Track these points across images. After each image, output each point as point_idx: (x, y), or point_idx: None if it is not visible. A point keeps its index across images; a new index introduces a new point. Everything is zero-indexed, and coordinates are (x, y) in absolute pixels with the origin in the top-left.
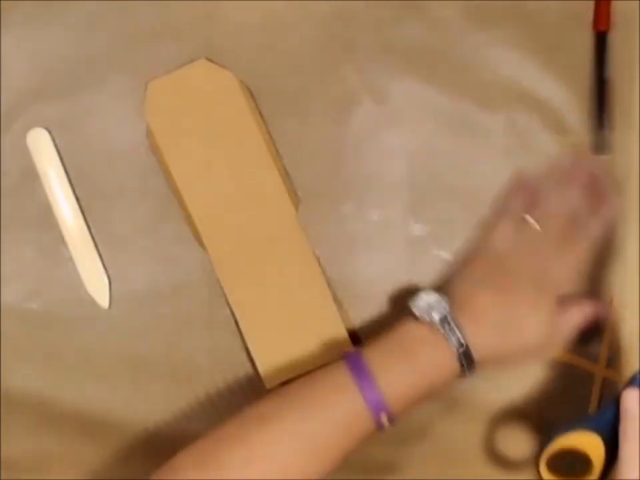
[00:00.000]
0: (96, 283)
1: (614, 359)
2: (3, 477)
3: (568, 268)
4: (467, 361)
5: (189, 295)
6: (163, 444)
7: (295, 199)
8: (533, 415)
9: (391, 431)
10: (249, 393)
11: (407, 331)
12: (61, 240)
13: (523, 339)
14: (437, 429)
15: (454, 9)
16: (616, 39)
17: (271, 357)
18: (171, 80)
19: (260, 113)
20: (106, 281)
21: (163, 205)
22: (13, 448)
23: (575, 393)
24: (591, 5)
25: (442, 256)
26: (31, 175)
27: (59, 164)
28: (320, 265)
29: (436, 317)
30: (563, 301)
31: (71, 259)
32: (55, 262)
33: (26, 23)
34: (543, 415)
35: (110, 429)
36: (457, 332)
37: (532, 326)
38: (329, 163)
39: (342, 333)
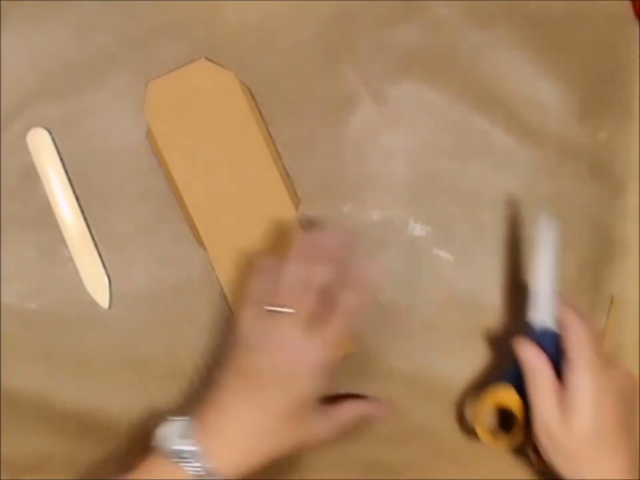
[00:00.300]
0: (96, 283)
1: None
2: (2, 477)
3: (322, 349)
4: None
5: (188, 295)
6: None
7: (295, 199)
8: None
9: (391, 431)
10: None
11: (150, 464)
12: (61, 240)
13: (275, 446)
14: (437, 429)
15: (454, 8)
16: (616, 39)
17: None
18: (170, 80)
19: (260, 113)
20: (106, 281)
21: (163, 205)
22: (12, 448)
23: None
24: (592, 4)
25: (442, 256)
26: (31, 175)
27: (59, 164)
28: None
29: (173, 446)
30: (331, 401)
31: (70, 258)
32: (55, 262)
33: (26, 23)
34: None
35: (110, 428)
36: (196, 460)
37: (280, 433)
38: (329, 163)
39: None
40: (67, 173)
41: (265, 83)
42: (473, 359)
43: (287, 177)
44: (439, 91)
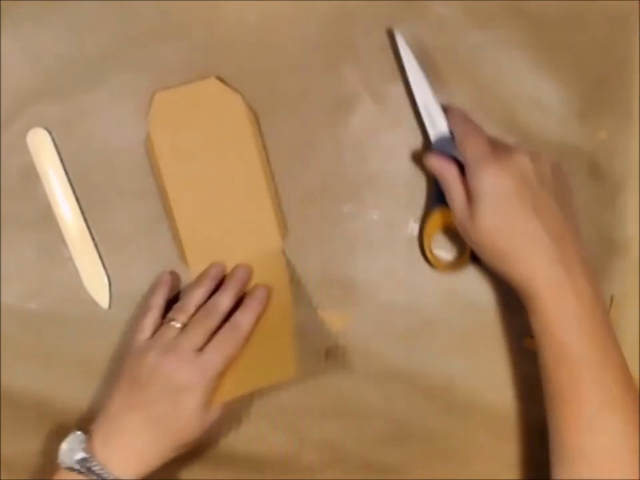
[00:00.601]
0: (96, 283)
1: None
2: (2, 477)
3: (211, 363)
4: None
5: None
6: None
7: (284, 230)
8: (532, 415)
9: (391, 431)
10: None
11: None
12: (60, 240)
13: (165, 448)
14: (437, 428)
15: (454, 8)
16: (616, 39)
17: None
18: (178, 93)
19: (262, 138)
20: (106, 281)
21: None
22: (13, 448)
23: None
24: (591, 4)
25: (441, 256)
26: (30, 175)
27: (59, 164)
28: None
29: (74, 461)
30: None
31: (70, 259)
32: (55, 262)
33: (26, 23)
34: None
35: None
36: (93, 469)
37: (167, 437)
38: (329, 163)
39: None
40: (66, 173)
41: (265, 83)
42: (473, 358)
43: (278, 207)
44: (438, 91)
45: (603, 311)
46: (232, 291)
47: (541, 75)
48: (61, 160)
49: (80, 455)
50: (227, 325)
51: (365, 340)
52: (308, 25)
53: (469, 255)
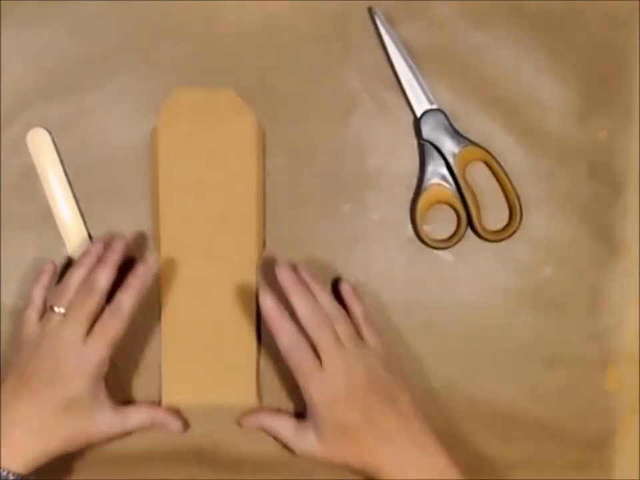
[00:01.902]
0: None
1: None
2: None
3: (97, 350)
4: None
5: None
6: (161, 443)
7: (261, 248)
8: (532, 415)
9: None
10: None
11: None
12: (60, 240)
13: (52, 440)
14: (437, 428)
15: (454, 8)
16: (616, 39)
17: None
18: (193, 94)
19: (264, 158)
20: None
21: None
22: None
23: (574, 395)
24: (591, 4)
25: (442, 256)
26: (30, 175)
27: (59, 164)
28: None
29: None
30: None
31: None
32: (55, 262)
33: (26, 23)
34: (542, 415)
35: None
36: None
37: (55, 429)
38: (329, 162)
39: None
40: (66, 173)
41: (264, 83)
42: (473, 359)
43: (262, 227)
44: (438, 91)
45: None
46: (109, 265)
47: (540, 75)
48: (61, 160)
49: None
50: (107, 308)
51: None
52: (308, 24)
53: (463, 231)
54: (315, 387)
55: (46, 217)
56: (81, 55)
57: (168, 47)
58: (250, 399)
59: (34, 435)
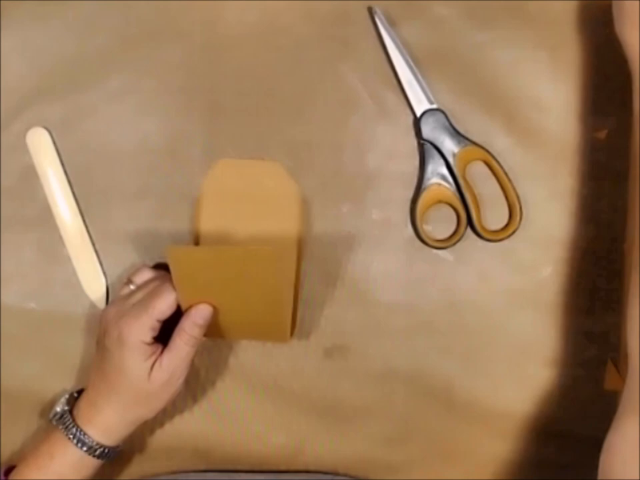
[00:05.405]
0: (94, 284)
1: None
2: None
3: (162, 353)
4: (100, 450)
5: None
6: (161, 443)
7: (294, 327)
8: (532, 415)
9: (391, 431)
10: (245, 392)
11: (47, 438)
12: (60, 240)
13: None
14: (437, 428)
15: (454, 8)
16: (616, 39)
17: None
18: (240, 166)
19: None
20: (103, 281)
21: (162, 205)
22: (13, 447)
23: (574, 395)
24: (591, 4)
25: (441, 256)
26: (30, 175)
27: (59, 164)
28: None
29: (55, 416)
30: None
31: (70, 258)
32: (55, 262)
33: (26, 23)
34: (542, 415)
35: None
36: (74, 428)
37: (131, 412)
38: (329, 162)
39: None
40: (66, 173)
41: (264, 83)
42: (473, 359)
43: (296, 309)
44: (438, 91)
45: None
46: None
47: (540, 75)
48: (61, 160)
49: (58, 408)
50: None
51: (365, 340)
52: (307, 25)
53: (463, 231)
54: None
55: (46, 217)
56: (81, 54)
57: (168, 47)
58: (283, 339)
59: (115, 418)
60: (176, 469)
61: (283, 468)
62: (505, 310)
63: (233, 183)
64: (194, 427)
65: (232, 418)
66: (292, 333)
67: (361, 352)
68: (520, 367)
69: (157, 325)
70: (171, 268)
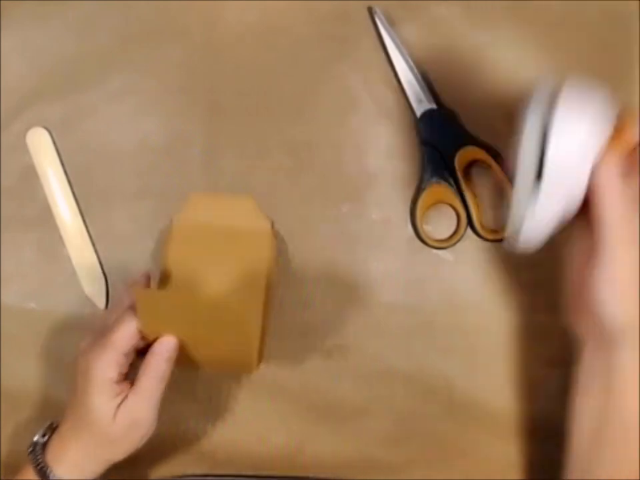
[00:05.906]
0: (93, 284)
1: None
2: (2, 477)
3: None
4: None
5: None
6: (161, 443)
7: (261, 359)
8: (532, 415)
9: (391, 431)
10: (245, 393)
11: (23, 467)
12: (60, 240)
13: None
14: (437, 428)
15: (454, 8)
16: (616, 39)
17: None
18: (211, 198)
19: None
20: (103, 281)
21: (162, 205)
22: (13, 447)
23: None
24: (591, 4)
25: (442, 256)
26: (30, 175)
27: (59, 164)
28: None
29: (29, 447)
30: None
31: (70, 258)
32: (55, 262)
33: (26, 23)
34: (542, 415)
35: None
36: (42, 463)
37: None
38: (329, 162)
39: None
40: (66, 172)
41: (264, 83)
42: (473, 358)
43: (264, 341)
44: (438, 91)
45: None
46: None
47: (540, 75)
48: (61, 160)
49: (35, 437)
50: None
51: (364, 340)
52: (307, 25)
53: (463, 231)
54: None
55: (46, 216)
56: (81, 54)
57: (168, 47)
58: (249, 370)
59: (86, 457)
60: (177, 472)
61: (283, 468)
62: (505, 310)
63: (203, 216)
64: (194, 427)
65: (232, 418)
66: (259, 363)
67: (361, 352)
68: (520, 366)
69: (124, 360)
70: (137, 309)
